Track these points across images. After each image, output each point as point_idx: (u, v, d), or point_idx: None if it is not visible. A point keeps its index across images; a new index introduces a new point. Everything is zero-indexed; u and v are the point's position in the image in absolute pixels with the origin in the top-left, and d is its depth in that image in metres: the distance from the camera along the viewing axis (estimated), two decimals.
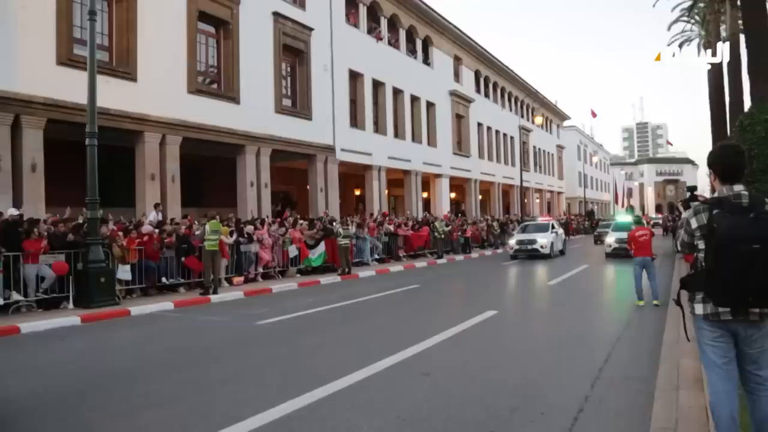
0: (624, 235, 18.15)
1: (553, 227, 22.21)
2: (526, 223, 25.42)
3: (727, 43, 19.44)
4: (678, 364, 5.14)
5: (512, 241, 21.60)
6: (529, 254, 20.53)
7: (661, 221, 47.03)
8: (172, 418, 4.34)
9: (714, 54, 19.06)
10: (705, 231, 2.83)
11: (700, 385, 4.38)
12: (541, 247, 20.30)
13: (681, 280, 3.04)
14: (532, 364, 5.86)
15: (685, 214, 3.44)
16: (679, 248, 3.20)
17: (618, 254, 18.90)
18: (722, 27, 24.06)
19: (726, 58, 19.16)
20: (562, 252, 22.51)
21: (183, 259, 12.30)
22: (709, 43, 25.34)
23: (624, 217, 25.24)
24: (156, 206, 14.28)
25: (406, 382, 5.21)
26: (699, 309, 2.90)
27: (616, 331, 7.48)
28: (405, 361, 5.91)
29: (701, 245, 2.90)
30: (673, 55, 17.00)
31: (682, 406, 4.08)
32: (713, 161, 2.98)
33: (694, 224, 2.93)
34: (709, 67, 23.49)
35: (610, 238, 20.33)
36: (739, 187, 2.83)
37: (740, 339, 2.84)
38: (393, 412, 4.37)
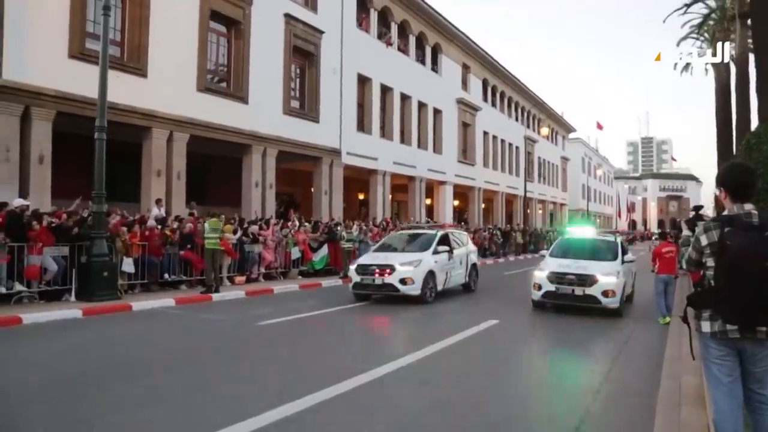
0: (570, 263, 10.04)
1: (443, 242, 12.22)
2: (404, 232, 14.40)
3: (729, 45, 19.39)
4: (680, 381, 5.13)
5: (353, 267, 11.76)
6: (383, 293, 11.15)
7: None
8: (172, 416, 4.34)
9: (714, 54, 18.93)
10: (716, 248, 2.83)
11: (702, 402, 4.37)
12: (402, 281, 10.78)
13: (687, 297, 3.04)
14: (532, 375, 5.86)
15: (686, 232, 3.45)
16: (684, 266, 3.19)
17: (555, 302, 9.98)
18: (731, 45, 24.07)
19: (728, 60, 19.16)
20: (466, 287, 13.14)
21: (181, 252, 12.31)
22: None
23: (581, 230, 12.86)
24: (158, 202, 14.31)
25: (406, 389, 5.21)
26: (706, 327, 2.90)
27: (616, 345, 7.46)
28: (406, 367, 5.90)
29: (710, 263, 2.89)
30: (679, 60, 16.73)
31: (684, 423, 4.06)
32: (725, 179, 2.98)
33: (704, 241, 2.92)
34: (715, 85, 23.56)
35: (541, 273, 10.18)
36: (749, 206, 2.84)
37: (745, 357, 2.84)
38: (393, 417, 4.38)
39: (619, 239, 11.49)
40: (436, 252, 11.72)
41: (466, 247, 13.57)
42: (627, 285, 10.31)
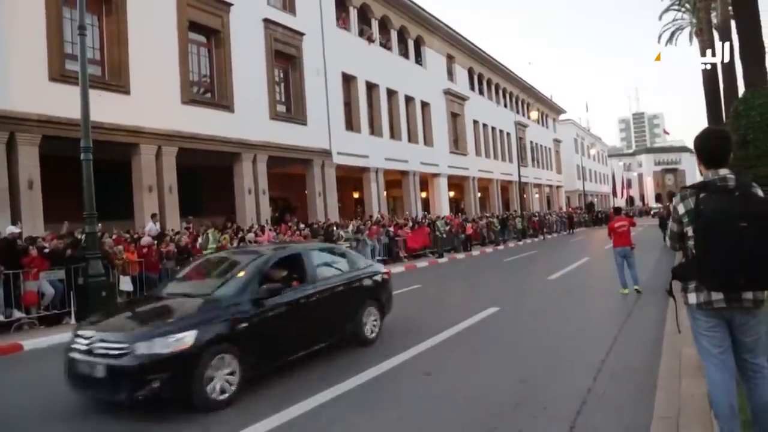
0: None
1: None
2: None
3: (718, 35, 19.38)
4: (679, 354, 5.14)
5: None
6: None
7: (659, 211, 47.23)
8: (176, 429, 4.34)
9: (706, 45, 18.99)
10: (693, 215, 2.79)
11: (702, 374, 4.37)
12: None
13: (672, 269, 3.00)
14: (534, 359, 5.85)
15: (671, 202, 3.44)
16: (668, 242, 3.11)
17: None
18: (713, 14, 24.06)
19: (724, 54, 19.11)
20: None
21: None
22: (701, 30, 25.36)
23: None
24: (153, 216, 14.27)
25: (409, 382, 5.21)
26: (692, 298, 2.87)
27: (617, 322, 7.47)
28: (407, 361, 5.92)
29: (690, 232, 2.86)
30: (660, 42, 16.67)
31: (684, 395, 4.07)
32: (698, 146, 2.97)
33: (681, 210, 2.90)
34: (705, 62, 23.50)
35: None
36: (724, 171, 2.81)
37: (735, 327, 2.82)
38: (395, 412, 4.38)
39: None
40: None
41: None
42: None
